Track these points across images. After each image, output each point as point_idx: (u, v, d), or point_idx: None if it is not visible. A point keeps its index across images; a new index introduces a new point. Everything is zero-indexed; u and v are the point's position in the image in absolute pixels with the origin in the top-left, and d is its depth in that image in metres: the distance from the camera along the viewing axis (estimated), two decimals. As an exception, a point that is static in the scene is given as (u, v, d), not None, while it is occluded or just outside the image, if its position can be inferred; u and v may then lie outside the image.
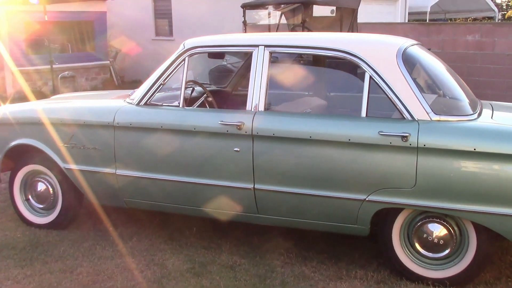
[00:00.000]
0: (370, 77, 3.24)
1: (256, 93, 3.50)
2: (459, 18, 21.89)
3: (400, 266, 3.31)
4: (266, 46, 3.51)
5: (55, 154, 4.06)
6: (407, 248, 3.30)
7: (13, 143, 4.21)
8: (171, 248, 3.86)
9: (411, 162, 3.08)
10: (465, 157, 2.99)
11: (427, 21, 17.05)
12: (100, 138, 3.89)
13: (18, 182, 4.35)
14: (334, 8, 7.57)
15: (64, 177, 4.12)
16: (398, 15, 17.39)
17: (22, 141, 4.18)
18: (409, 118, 3.14)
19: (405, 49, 3.38)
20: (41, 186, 4.29)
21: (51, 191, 4.25)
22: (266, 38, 3.57)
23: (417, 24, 9.40)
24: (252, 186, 3.47)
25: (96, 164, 3.94)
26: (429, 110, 3.11)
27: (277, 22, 8.09)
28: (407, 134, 3.05)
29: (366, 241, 3.62)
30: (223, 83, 5.21)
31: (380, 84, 3.22)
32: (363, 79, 3.29)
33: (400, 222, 3.27)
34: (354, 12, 7.78)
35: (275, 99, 3.82)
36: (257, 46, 3.53)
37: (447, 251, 3.22)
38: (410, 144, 3.05)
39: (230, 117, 3.50)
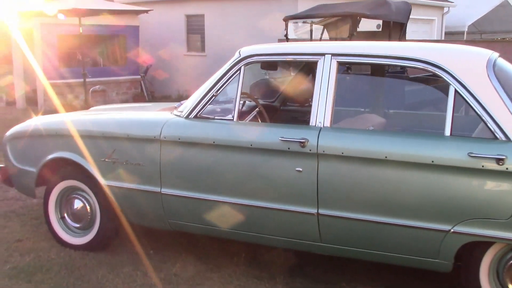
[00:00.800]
0: (456, 90, 2.85)
1: (322, 107, 3.13)
2: (496, 38, 21.32)
3: (488, 308, 2.87)
4: (333, 54, 3.15)
5: (94, 170, 3.74)
6: (496, 288, 2.87)
7: (50, 156, 3.91)
8: (219, 276, 3.49)
9: (507, 189, 2.67)
10: None
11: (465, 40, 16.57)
12: (145, 153, 3.56)
13: (53, 199, 4.04)
14: (381, 22, 7.21)
15: (103, 195, 3.79)
16: (434, 34, 16.97)
17: (59, 155, 3.88)
18: (503, 138, 2.73)
19: (495, 60, 2.99)
20: (77, 204, 3.97)
21: (89, 210, 3.92)
22: (333, 46, 3.21)
23: (464, 42, 8.99)
24: (316, 211, 3.09)
25: (139, 181, 3.60)
26: None
27: (320, 36, 7.75)
28: (503, 157, 2.64)
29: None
30: (267, 97, 4.87)
31: (467, 99, 2.83)
32: (446, 93, 2.90)
33: (490, 258, 2.84)
34: (402, 27, 7.41)
35: (337, 114, 3.45)
36: (323, 54, 3.18)
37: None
38: (507, 169, 2.64)
39: (292, 133, 3.13)
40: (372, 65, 3.38)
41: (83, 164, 3.77)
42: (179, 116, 3.56)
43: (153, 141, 3.51)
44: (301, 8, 11.58)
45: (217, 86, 3.44)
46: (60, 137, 3.89)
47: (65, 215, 4.04)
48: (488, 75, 2.83)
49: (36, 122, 4.13)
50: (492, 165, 2.67)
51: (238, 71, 3.39)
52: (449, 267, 2.90)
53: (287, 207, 3.17)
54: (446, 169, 2.77)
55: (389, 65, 3.10)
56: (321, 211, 3.08)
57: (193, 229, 3.59)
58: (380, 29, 7.33)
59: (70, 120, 3.94)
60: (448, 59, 2.92)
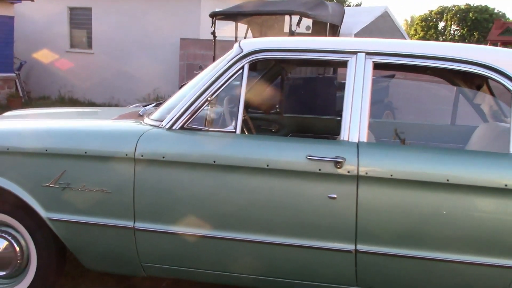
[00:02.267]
0: (520, 99, 2.42)
1: (356, 117, 2.52)
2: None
3: None
4: (368, 53, 2.56)
5: (31, 198, 2.74)
6: None
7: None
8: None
9: None
10: None
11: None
12: (111, 176, 2.66)
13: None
14: (310, 24, 6.77)
15: (44, 232, 2.81)
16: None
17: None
18: None
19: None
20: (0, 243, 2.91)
21: (18, 251, 2.89)
22: (368, 42, 2.61)
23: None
24: (354, 247, 2.46)
25: (102, 214, 2.70)
26: None
27: (244, 36, 7.12)
28: None
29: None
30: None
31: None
32: (509, 103, 2.46)
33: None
34: (337, 30, 7.06)
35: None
36: (355, 53, 2.57)
37: None
38: None
39: (322, 150, 2.48)
40: (413, 67, 2.83)
41: (13, 191, 2.75)
42: (157, 126, 2.71)
43: (123, 160, 2.63)
44: (205, 6, 10.88)
45: (211, 89, 2.66)
46: (-21, 155, 2.81)
47: (-20, 260, 2.95)
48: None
49: None
50: None
51: (240, 71, 2.65)
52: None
53: (314, 244, 2.51)
54: (519, 194, 2.31)
55: (435, 68, 2.57)
56: (360, 247, 2.46)
57: (176, 274, 2.77)
58: (310, 31, 6.90)
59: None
60: (510, 63, 2.47)
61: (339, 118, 2.67)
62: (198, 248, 2.63)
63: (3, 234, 2.91)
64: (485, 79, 3.12)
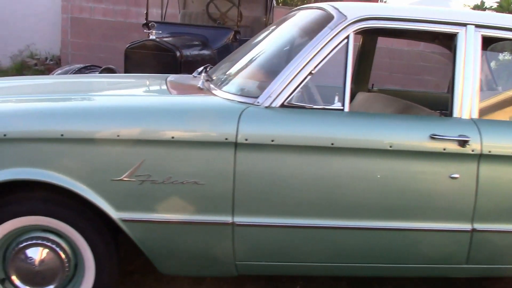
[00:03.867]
0: None
1: (468, 93, 2.43)
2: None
3: None
4: (477, 26, 2.46)
5: (98, 196, 2.19)
6: None
7: (-8, 178, 2.14)
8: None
9: None
10: None
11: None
12: (205, 165, 2.23)
13: (-12, 250, 2.26)
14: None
15: (104, 235, 2.30)
16: None
17: (16, 175, 2.15)
18: None
19: None
20: (39, 254, 2.31)
21: (66, 262, 2.32)
22: (477, 15, 2.49)
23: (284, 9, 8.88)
24: (471, 227, 2.42)
25: (194, 210, 2.26)
26: None
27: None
28: None
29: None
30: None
31: None
32: None
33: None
34: None
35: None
36: (465, 25, 2.45)
37: None
38: None
39: (445, 129, 2.35)
40: None
41: (72, 188, 2.17)
42: (250, 103, 2.32)
43: (221, 145, 2.22)
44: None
45: (313, 61, 2.33)
46: (18, 143, 2.15)
47: (12, 276, 2.31)
48: None
49: None
50: None
51: (345, 40, 2.36)
52: None
53: (433, 226, 2.41)
54: None
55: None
56: (477, 226, 2.42)
57: (277, 270, 2.47)
58: None
59: (37, 109, 2.21)
60: None
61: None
62: (310, 241, 2.35)
63: (44, 242, 2.30)
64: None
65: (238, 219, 2.28)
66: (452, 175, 2.35)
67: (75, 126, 2.16)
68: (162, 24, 5.45)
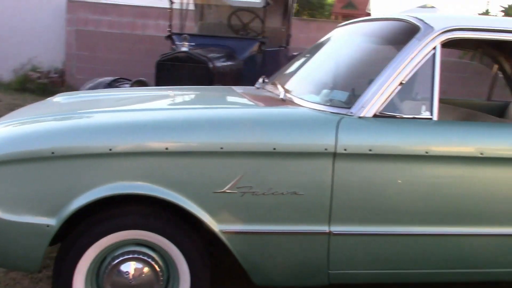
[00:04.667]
0: None
1: (547, 100, 2.49)
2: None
3: None
4: (555, 35, 2.53)
5: (199, 208, 2.20)
6: None
7: (95, 192, 2.13)
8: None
9: None
10: None
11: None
12: (305, 175, 2.25)
13: (85, 265, 2.24)
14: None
15: (200, 250, 2.30)
16: None
17: (119, 189, 2.15)
18: None
19: None
20: (134, 268, 2.30)
21: (160, 274, 2.32)
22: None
23: (300, 20, 8.98)
24: (554, 231, 2.48)
25: (291, 220, 2.28)
26: None
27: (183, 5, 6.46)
28: None
29: None
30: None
31: None
32: None
33: None
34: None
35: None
36: (545, 34, 2.52)
37: None
38: None
39: (532, 135, 2.41)
40: None
41: (179, 202, 2.17)
42: (343, 114, 2.35)
43: (322, 156, 2.24)
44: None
45: (403, 71, 2.38)
46: (123, 157, 2.15)
47: (107, 290, 2.30)
48: None
49: (48, 128, 2.19)
50: None
51: (433, 51, 2.41)
52: None
53: (516, 231, 2.46)
54: None
55: None
56: (561, 231, 2.48)
57: (369, 278, 2.48)
58: (260, 0, 6.57)
59: (140, 122, 2.21)
60: None
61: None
62: (404, 248, 2.38)
63: (140, 256, 2.30)
64: None
65: (335, 228, 2.30)
66: (542, 182, 2.41)
67: (180, 139, 2.16)
68: (191, 36, 5.45)
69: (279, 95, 2.69)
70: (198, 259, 2.31)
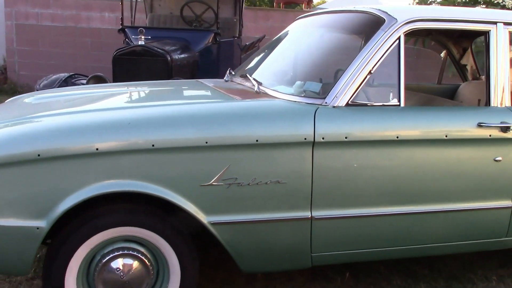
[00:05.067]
0: None
1: (500, 83, 2.72)
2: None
3: None
4: (505, 23, 2.75)
5: (188, 202, 2.27)
6: None
7: (86, 191, 2.16)
8: None
9: None
10: None
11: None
12: (287, 164, 2.36)
13: (76, 264, 2.27)
14: None
15: (188, 243, 2.38)
16: None
17: (110, 187, 2.18)
18: None
19: None
20: (126, 264, 2.34)
21: (150, 268, 2.38)
22: (505, 13, 2.77)
23: (248, 9, 9.01)
24: (511, 203, 2.71)
25: (276, 208, 2.39)
26: None
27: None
28: None
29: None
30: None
31: None
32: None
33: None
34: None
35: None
36: (495, 23, 2.73)
37: None
38: None
39: (489, 117, 2.63)
40: None
41: (168, 197, 2.23)
42: (318, 104, 2.47)
43: (301, 145, 2.36)
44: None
45: (371, 61, 2.52)
46: (112, 155, 2.18)
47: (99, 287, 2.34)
48: None
49: (31, 131, 2.18)
50: None
51: (397, 41, 2.57)
52: None
53: (481, 205, 2.68)
54: None
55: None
56: (518, 202, 2.72)
57: (349, 258, 2.63)
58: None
59: (125, 120, 2.24)
60: None
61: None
62: (380, 228, 2.54)
63: (130, 252, 2.34)
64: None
65: (316, 213, 2.43)
66: (496, 158, 2.63)
67: (166, 135, 2.21)
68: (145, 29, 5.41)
69: (252, 88, 2.77)
70: (187, 252, 2.38)
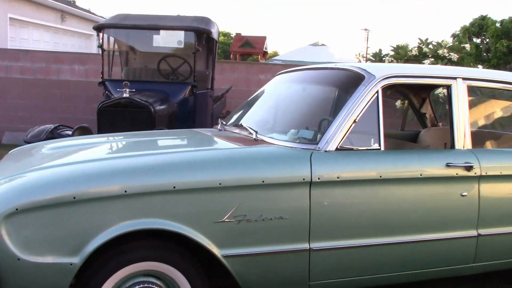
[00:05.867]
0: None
1: (461, 129, 3.19)
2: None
3: None
4: (464, 78, 3.25)
5: (204, 237, 2.56)
6: None
7: (112, 230, 2.42)
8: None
9: None
10: None
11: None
12: (288, 202, 2.71)
13: (101, 300, 2.49)
14: (182, 39, 6.91)
15: (201, 274, 2.65)
16: (93, 49, 16.74)
17: (134, 226, 2.45)
18: None
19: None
20: (146, 296, 2.59)
21: (166, 300, 2.63)
22: (462, 70, 3.27)
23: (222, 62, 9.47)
24: (476, 233, 3.13)
25: (279, 241, 2.71)
26: None
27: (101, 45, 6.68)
28: None
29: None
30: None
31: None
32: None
33: None
34: (215, 44, 7.28)
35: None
36: (455, 78, 3.22)
37: None
38: None
39: (456, 158, 3.07)
40: (495, 89, 3.58)
41: (187, 234, 2.52)
42: (311, 149, 2.85)
43: (300, 185, 2.71)
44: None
45: (355, 112, 2.93)
46: (138, 197, 2.46)
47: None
48: None
49: (63, 176, 2.44)
50: None
51: (376, 94, 3.01)
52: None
53: (450, 235, 3.08)
54: None
55: (503, 89, 3.40)
56: (481, 231, 3.14)
57: (340, 286, 2.95)
58: (183, 46, 7.03)
59: (148, 166, 2.53)
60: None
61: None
62: (368, 257, 2.89)
63: (150, 286, 2.59)
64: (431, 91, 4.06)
65: (314, 245, 2.75)
66: (463, 193, 3.05)
67: (184, 178, 2.51)
68: (124, 81, 5.70)
69: (249, 136, 3.13)
70: (200, 283, 2.64)
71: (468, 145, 3.18)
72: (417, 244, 2.99)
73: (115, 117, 5.20)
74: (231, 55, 23.39)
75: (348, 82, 3.11)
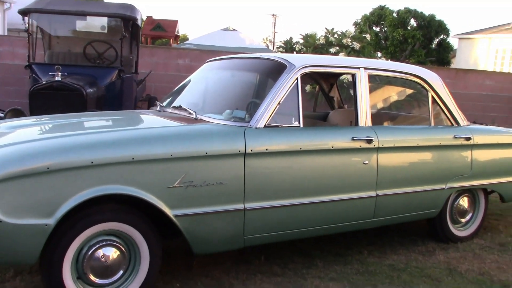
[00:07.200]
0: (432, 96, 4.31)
1: (363, 110, 3.91)
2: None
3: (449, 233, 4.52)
4: (365, 68, 3.96)
5: (159, 200, 3.06)
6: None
7: (82, 195, 2.85)
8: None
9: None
10: None
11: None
12: (227, 170, 3.26)
13: (70, 255, 2.92)
14: (106, 24, 7.17)
15: (155, 233, 3.16)
16: (-1, 30, 16.11)
17: (102, 191, 2.89)
18: (455, 124, 4.41)
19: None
20: (110, 252, 3.05)
21: (126, 254, 3.11)
22: (364, 61, 3.97)
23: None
24: (375, 193, 3.89)
25: (220, 202, 3.26)
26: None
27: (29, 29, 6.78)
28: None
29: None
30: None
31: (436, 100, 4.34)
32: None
33: None
34: (139, 30, 7.54)
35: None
36: (359, 68, 3.93)
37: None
38: (471, 142, 4.34)
39: (359, 133, 3.78)
40: (388, 77, 4.31)
41: (144, 197, 3.01)
42: (244, 126, 3.42)
43: (236, 156, 3.28)
44: None
45: (280, 95, 3.53)
46: (103, 167, 2.90)
47: (87, 272, 3.00)
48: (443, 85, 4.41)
49: (39, 148, 2.81)
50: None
51: (296, 81, 3.62)
52: (439, 212, 4.35)
53: (355, 195, 3.80)
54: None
55: (396, 77, 4.16)
56: (379, 192, 3.90)
57: (268, 239, 3.56)
58: (106, 31, 7.27)
59: (111, 141, 2.97)
60: (425, 74, 4.31)
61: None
62: (285, 215, 3.51)
63: (111, 243, 3.05)
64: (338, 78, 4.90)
65: (248, 205, 3.33)
66: (365, 162, 3.78)
67: (142, 151, 2.98)
68: (53, 65, 5.89)
69: (189, 116, 3.63)
70: (154, 241, 3.13)
71: (369, 123, 3.90)
72: (329, 204, 3.67)
73: (47, 100, 5.42)
74: (142, 38, 23.25)
75: (273, 70, 3.69)
